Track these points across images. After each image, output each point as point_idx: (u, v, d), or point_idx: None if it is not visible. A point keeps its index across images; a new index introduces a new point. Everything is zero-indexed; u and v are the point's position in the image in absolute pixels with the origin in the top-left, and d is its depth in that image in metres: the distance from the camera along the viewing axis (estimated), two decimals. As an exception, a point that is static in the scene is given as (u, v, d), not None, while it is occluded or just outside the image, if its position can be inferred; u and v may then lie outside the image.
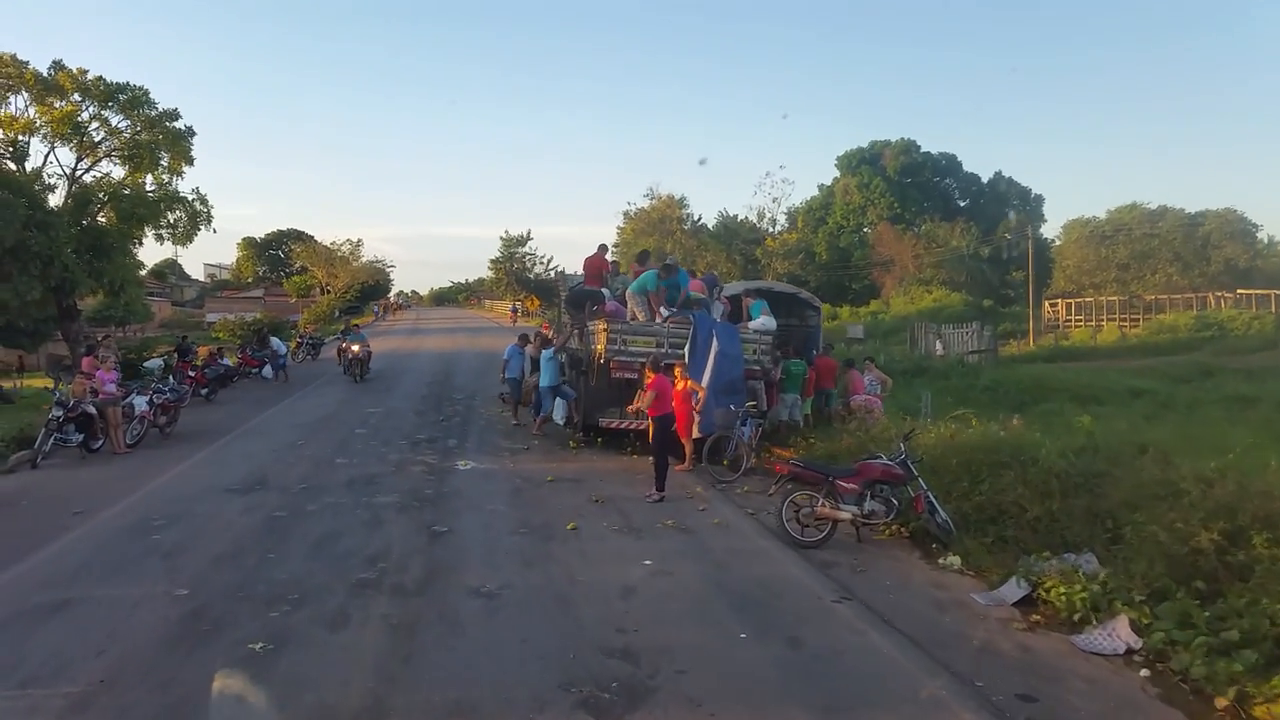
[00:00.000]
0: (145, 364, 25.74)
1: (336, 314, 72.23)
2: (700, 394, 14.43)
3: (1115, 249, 65.44)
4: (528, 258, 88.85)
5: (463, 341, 46.33)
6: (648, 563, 9.66)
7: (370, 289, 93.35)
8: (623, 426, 16.17)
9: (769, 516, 11.85)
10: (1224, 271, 59.87)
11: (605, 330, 15.38)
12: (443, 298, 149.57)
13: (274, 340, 31.25)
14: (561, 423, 19.11)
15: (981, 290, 69.53)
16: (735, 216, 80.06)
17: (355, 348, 28.49)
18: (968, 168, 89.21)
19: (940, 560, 10.17)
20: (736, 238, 73.22)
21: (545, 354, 19.03)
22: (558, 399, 19.24)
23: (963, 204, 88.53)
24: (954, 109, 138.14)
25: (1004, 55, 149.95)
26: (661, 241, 68.34)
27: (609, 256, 19.87)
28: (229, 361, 27.74)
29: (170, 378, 22.47)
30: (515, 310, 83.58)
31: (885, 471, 10.81)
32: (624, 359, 15.42)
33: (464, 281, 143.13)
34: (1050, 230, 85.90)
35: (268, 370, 28.87)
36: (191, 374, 23.87)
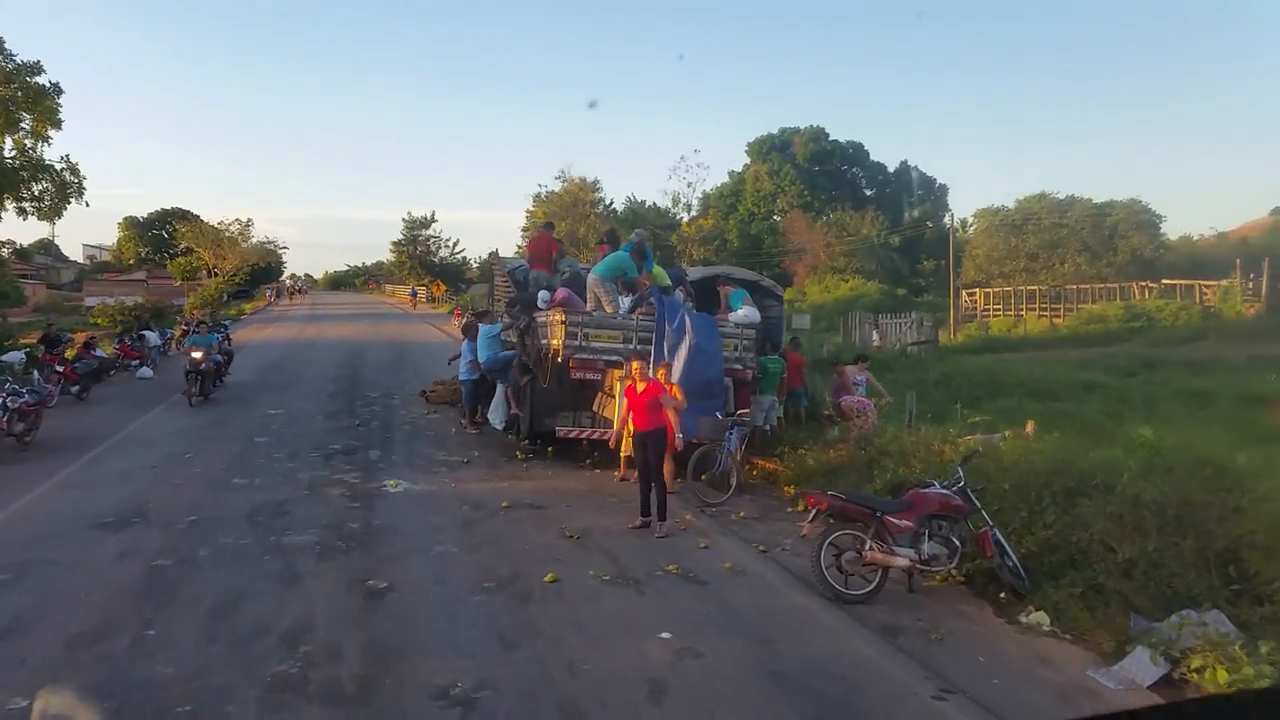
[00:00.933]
0: (2, 357, 22.00)
1: (225, 298, 67.48)
2: (674, 394, 12.10)
3: (1025, 238, 65.32)
4: (432, 240, 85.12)
5: (366, 330, 42.96)
6: (666, 636, 7.20)
7: (261, 271, 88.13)
8: (583, 435, 13.69)
9: (786, 555, 9.56)
10: (1130, 262, 60.16)
11: (563, 323, 12.85)
12: (339, 281, 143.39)
13: (148, 333, 27.59)
14: (500, 427, 16.53)
15: (893, 279, 68.80)
16: (643, 202, 77.88)
17: (196, 354, 19.93)
18: (874, 157, 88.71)
19: (1022, 618, 8.00)
20: (645, 223, 70.96)
21: (486, 329, 16.30)
22: (496, 397, 16.67)
23: (869, 193, 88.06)
24: (861, 97, 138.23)
25: (909, 41, 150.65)
26: (575, 226, 65.68)
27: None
28: (104, 353, 24.16)
29: (34, 373, 19.03)
30: (415, 295, 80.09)
31: (943, 503, 8.57)
32: (586, 356, 12.94)
33: (361, 265, 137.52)
34: (955, 220, 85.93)
35: (145, 370, 25.14)
36: (60, 369, 20.32)
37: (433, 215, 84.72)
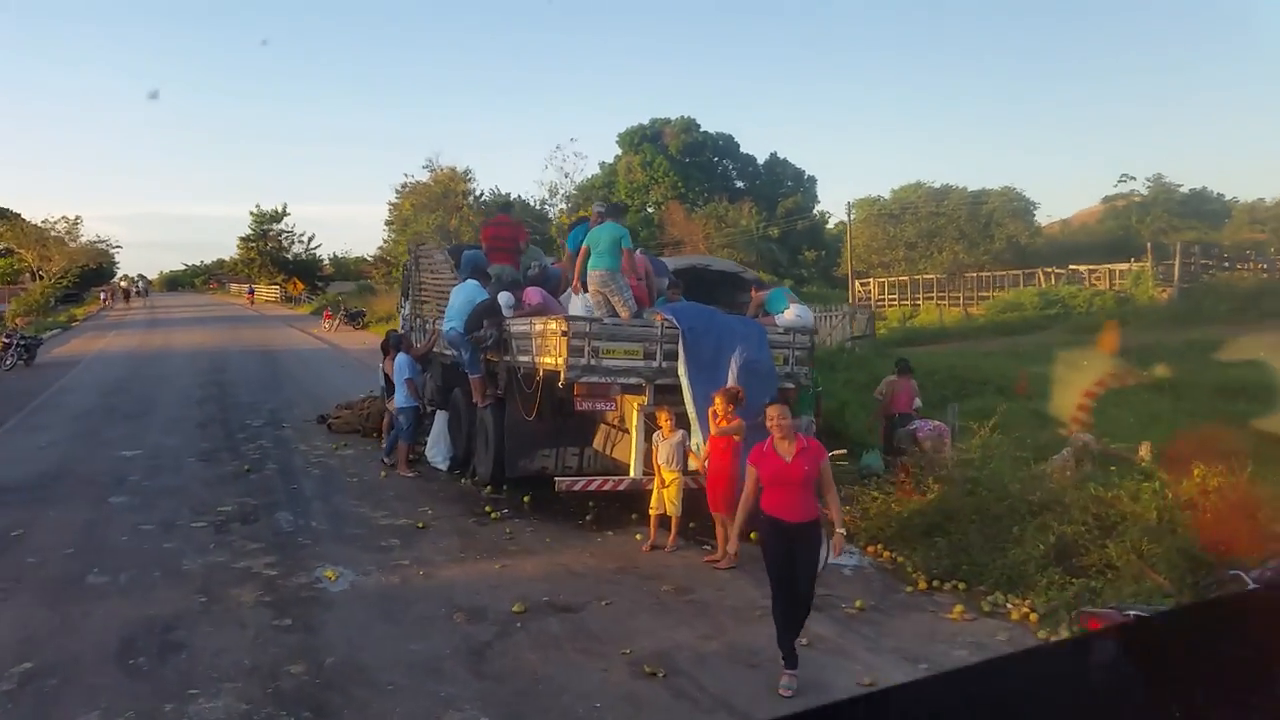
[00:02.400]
0: None
1: (53, 303, 59.75)
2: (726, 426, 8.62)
3: (903, 228, 64.49)
4: (284, 235, 78.38)
5: (222, 336, 37.48)
6: None
7: (92, 273, 79.39)
8: (597, 488, 9.96)
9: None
10: (1007, 249, 59.99)
11: (564, 334, 9.13)
12: (177, 282, 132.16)
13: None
14: (444, 466, 12.66)
15: (774, 271, 66.75)
16: (508, 194, 73.46)
17: None
18: (745, 149, 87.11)
19: None
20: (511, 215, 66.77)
21: (403, 360, 12.55)
22: (435, 428, 12.83)
23: (740, 185, 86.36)
24: (731, 88, 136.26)
25: (778, 31, 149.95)
26: (445, 218, 60.94)
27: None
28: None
29: None
30: (252, 292, 73.25)
31: None
32: (597, 380, 9.29)
33: (200, 264, 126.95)
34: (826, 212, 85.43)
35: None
36: None
37: (284, 208, 77.95)
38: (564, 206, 72.74)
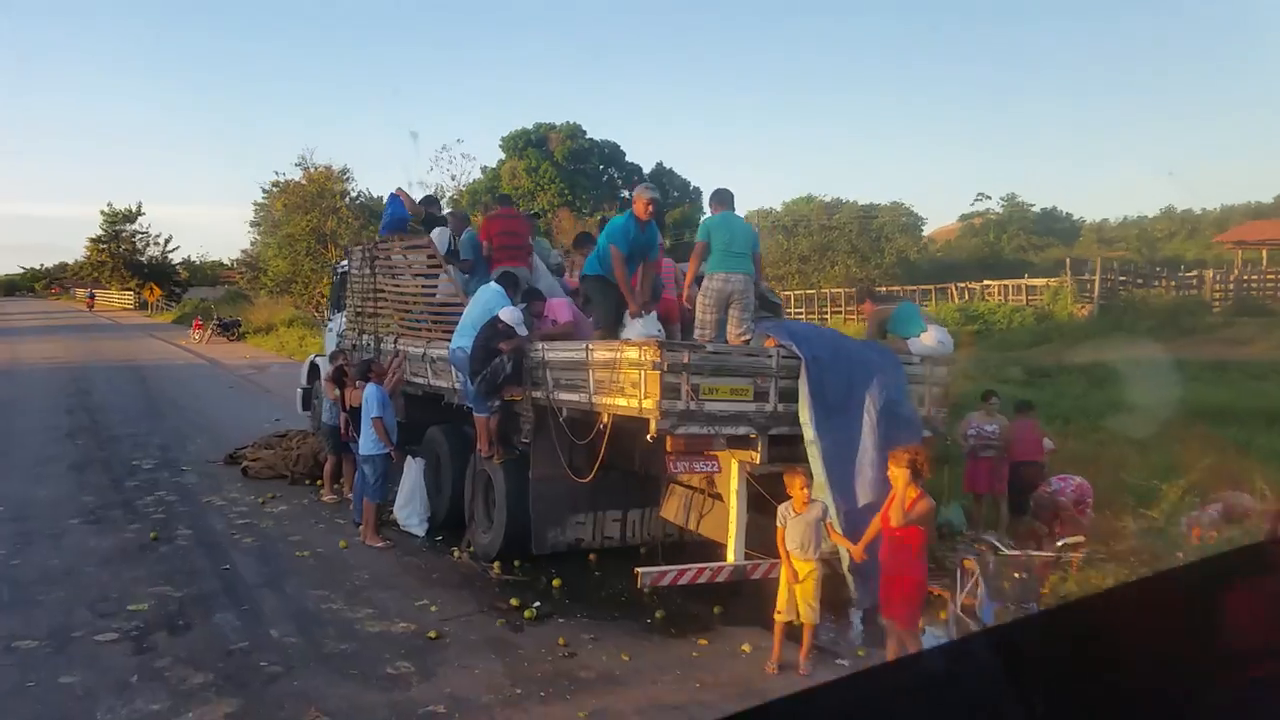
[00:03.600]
0: None
1: None
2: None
3: (797, 241, 63.62)
4: (138, 236, 71.90)
5: (78, 348, 32.71)
6: None
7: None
8: (679, 582, 7.09)
9: None
10: (896, 264, 59.85)
11: (659, 367, 6.47)
12: (12, 286, 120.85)
13: None
14: (420, 531, 9.81)
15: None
16: (380, 198, 69.31)
17: None
18: (631, 158, 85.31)
19: None
20: (379, 219, 62.74)
21: (373, 392, 9.60)
22: (408, 481, 9.92)
23: (626, 194, 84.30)
24: (617, 95, 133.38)
25: (666, 40, 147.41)
26: (321, 220, 56.53)
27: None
28: None
29: None
30: (93, 297, 68.25)
31: None
32: (698, 431, 6.67)
33: (40, 267, 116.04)
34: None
35: None
36: None
37: (139, 208, 71.46)
38: (446, 210, 69.00)
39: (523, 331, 8.23)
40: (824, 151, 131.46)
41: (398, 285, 11.26)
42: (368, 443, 9.43)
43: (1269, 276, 37.09)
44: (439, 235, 10.52)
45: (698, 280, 7.60)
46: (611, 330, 7.45)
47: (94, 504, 11.03)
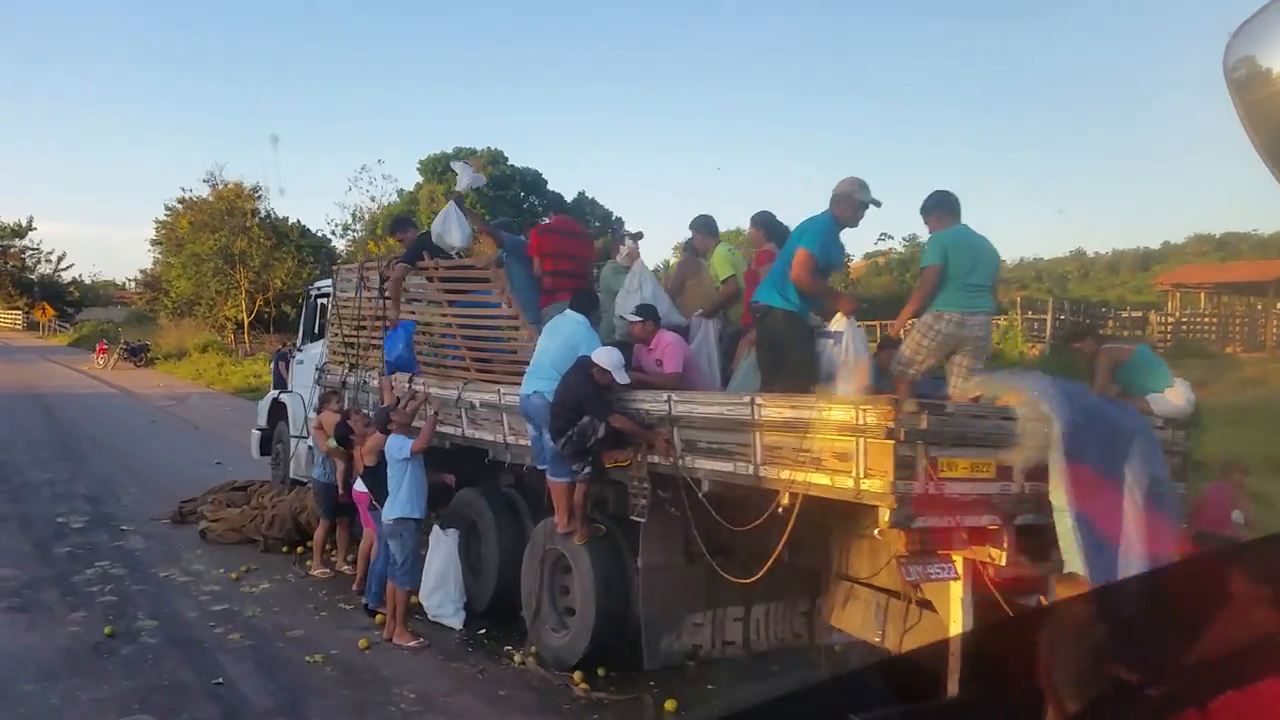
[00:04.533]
0: None
1: None
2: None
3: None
4: (28, 253, 66.90)
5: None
6: None
7: None
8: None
9: None
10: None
11: (893, 434, 4.64)
12: None
13: None
14: (456, 622, 7.78)
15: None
16: (286, 219, 65.66)
17: None
18: (552, 186, 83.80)
19: None
20: (288, 241, 59.19)
21: (396, 444, 7.49)
22: (438, 557, 7.85)
23: (547, 221, 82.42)
24: (538, 122, 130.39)
25: (589, 68, 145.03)
26: (229, 239, 53.12)
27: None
28: None
29: None
30: None
31: None
32: (938, 522, 4.89)
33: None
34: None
35: None
36: None
37: (30, 222, 66.45)
38: (357, 234, 66.08)
39: (622, 379, 6.36)
40: (742, 181, 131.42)
41: (415, 313, 9.22)
42: (402, 503, 7.35)
43: (1207, 320, 37.34)
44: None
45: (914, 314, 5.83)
46: (799, 384, 5.59)
47: (17, 581, 8.63)
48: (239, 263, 53.75)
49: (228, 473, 13.83)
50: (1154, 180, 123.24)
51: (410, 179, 77.53)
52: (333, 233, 66.87)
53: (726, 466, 5.60)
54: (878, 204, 5.88)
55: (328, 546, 9.38)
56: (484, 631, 7.65)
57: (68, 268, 67.98)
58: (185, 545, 10.08)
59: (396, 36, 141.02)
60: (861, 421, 4.77)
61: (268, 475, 12.60)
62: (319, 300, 11.81)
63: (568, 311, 7.04)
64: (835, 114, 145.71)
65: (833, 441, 4.94)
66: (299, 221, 62.58)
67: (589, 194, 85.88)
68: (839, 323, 5.53)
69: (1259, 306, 40.26)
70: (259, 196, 58.68)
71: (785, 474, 5.19)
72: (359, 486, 8.40)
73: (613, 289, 7.49)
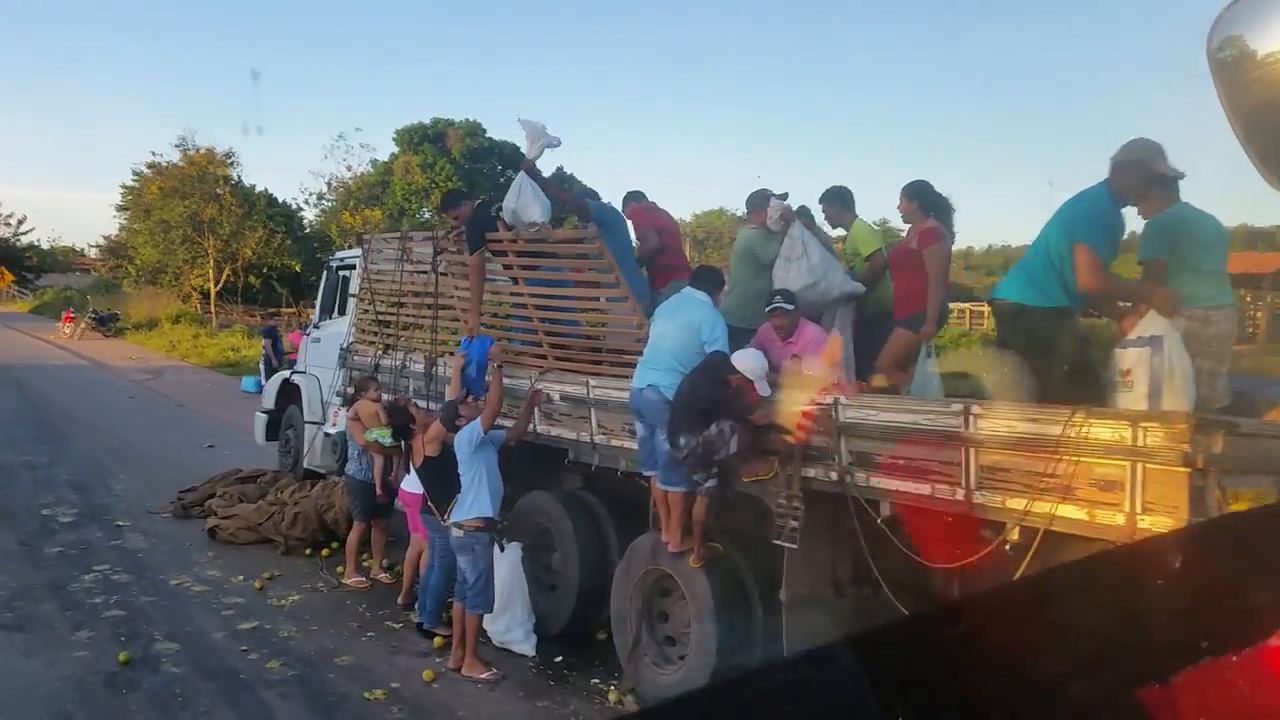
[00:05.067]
0: None
1: None
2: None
3: (708, 255, 61.71)
4: (-18, 215, 64.19)
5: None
6: None
7: None
8: None
9: None
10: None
11: (1194, 448, 3.56)
12: None
13: None
14: (529, 648, 6.69)
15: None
16: (254, 187, 63.47)
17: None
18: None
19: None
20: (257, 210, 57.15)
21: (471, 436, 6.33)
22: (502, 572, 6.68)
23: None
24: (517, 94, 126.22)
25: (570, 40, 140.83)
26: (200, 206, 51.20)
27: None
28: None
29: None
30: None
31: None
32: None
33: None
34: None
35: None
36: None
37: (-14, 183, 63.75)
38: (329, 204, 64.07)
39: (765, 391, 5.28)
40: (730, 163, 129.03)
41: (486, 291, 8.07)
42: (476, 505, 6.20)
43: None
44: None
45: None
46: (1052, 389, 4.55)
47: (6, 590, 7.42)
48: (208, 231, 51.92)
49: (222, 457, 12.65)
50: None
51: (386, 149, 75.41)
52: (305, 202, 64.97)
53: (921, 488, 4.56)
54: (1180, 175, 4.82)
55: (365, 556, 8.25)
56: (560, 660, 6.58)
57: (27, 232, 65.32)
58: (194, 545, 8.89)
59: (372, 4, 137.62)
60: (1141, 442, 3.75)
61: (271, 463, 11.45)
62: (341, 273, 10.58)
63: (687, 289, 5.95)
64: (831, 96, 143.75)
65: (1092, 466, 3.92)
66: (266, 190, 60.54)
67: (569, 169, 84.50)
68: (1153, 324, 4.45)
69: (1248, 299, 40.04)
70: (231, 163, 56.60)
71: (1015, 503, 4.16)
72: (409, 486, 7.30)
73: (761, 258, 6.38)
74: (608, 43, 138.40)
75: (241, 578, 7.96)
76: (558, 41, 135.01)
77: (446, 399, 6.98)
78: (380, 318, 9.43)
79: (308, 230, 64.32)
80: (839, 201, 6.67)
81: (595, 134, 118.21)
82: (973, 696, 0.86)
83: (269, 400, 11.61)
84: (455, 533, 6.30)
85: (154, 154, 53.20)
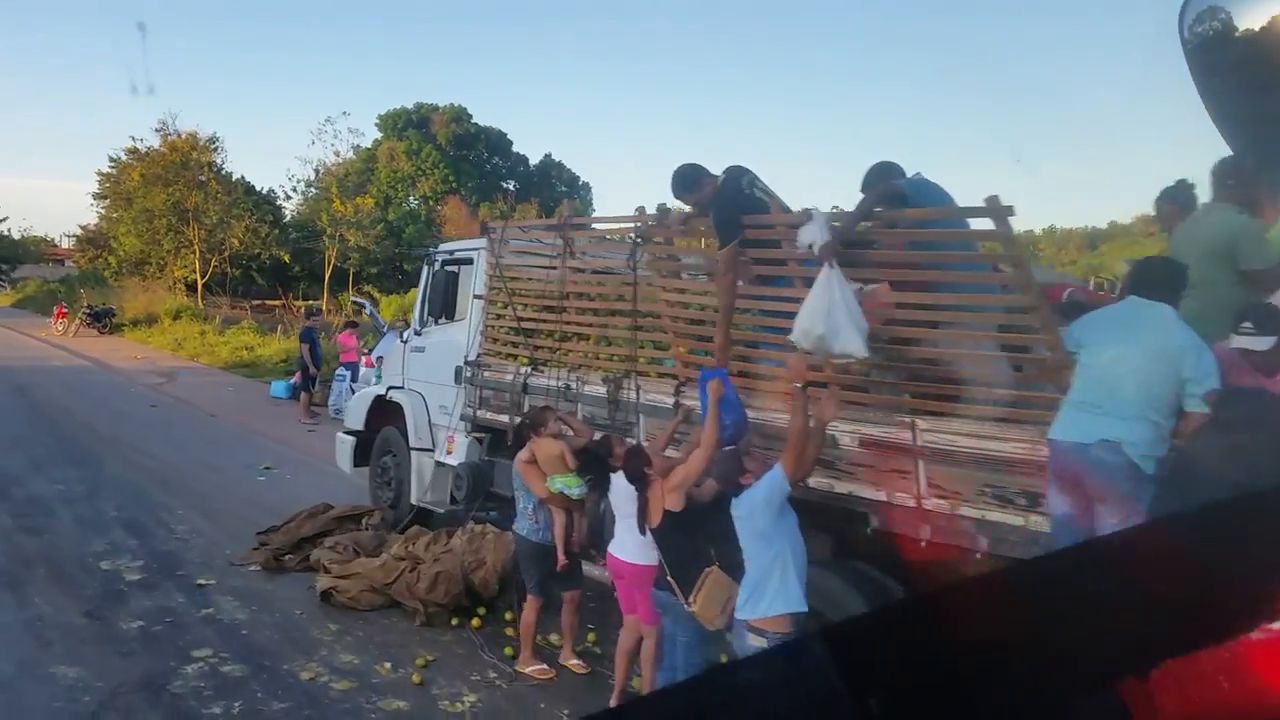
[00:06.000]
0: None
1: None
2: None
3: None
4: (-44, 205, 61.09)
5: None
6: None
7: None
8: None
9: None
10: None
11: None
12: None
13: None
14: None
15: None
16: (230, 174, 60.74)
17: None
18: (518, 148, 79.56)
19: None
20: (245, 198, 54.68)
21: (771, 495, 4.52)
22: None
23: (508, 185, 78.46)
24: (505, 80, 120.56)
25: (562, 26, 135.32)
26: (185, 195, 48.74)
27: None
28: None
29: None
30: None
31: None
32: None
33: None
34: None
35: None
36: None
37: (-43, 171, 60.58)
38: (314, 191, 61.73)
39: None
40: (724, 153, 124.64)
41: (682, 294, 6.27)
42: (780, 599, 4.41)
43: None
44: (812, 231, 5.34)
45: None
46: None
47: (91, 695, 5.53)
48: (193, 220, 49.60)
49: (283, 483, 10.83)
50: (1099, 160, 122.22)
51: (369, 135, 72.72)
52: (294, 189, 62.57)
53: None
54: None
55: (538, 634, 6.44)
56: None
57: (2, 220, 62.25)
58: (306, 614, 7.02)
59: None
60: None
61: (351, 492, 9.65)
62: (448, 269, 8.70)
63: (1133, 299, 4.15)
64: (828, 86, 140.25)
65: None
66: (243, 178, 58.05)
67: (556, 156, 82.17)
68: None
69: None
70: (215, 149, 54.09)
71: None
72: (623, 552, 5.51)
73: (1246, 258, 4.54)
74: (589, 28, 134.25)
75: (389, 665, 6.13)
76: (544, 27, 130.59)
77: (706, 442, 5.13)
78: (521, 324, 7.60)
79: (287, 219, 61.99)
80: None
81: (577, 118, 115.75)
82: (948, 689, 0.82)
83: (356, 419, 9.73)
84: (751, 639, 4.51)
85: (134, 139, 50.45)
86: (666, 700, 0.98)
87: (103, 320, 29.23)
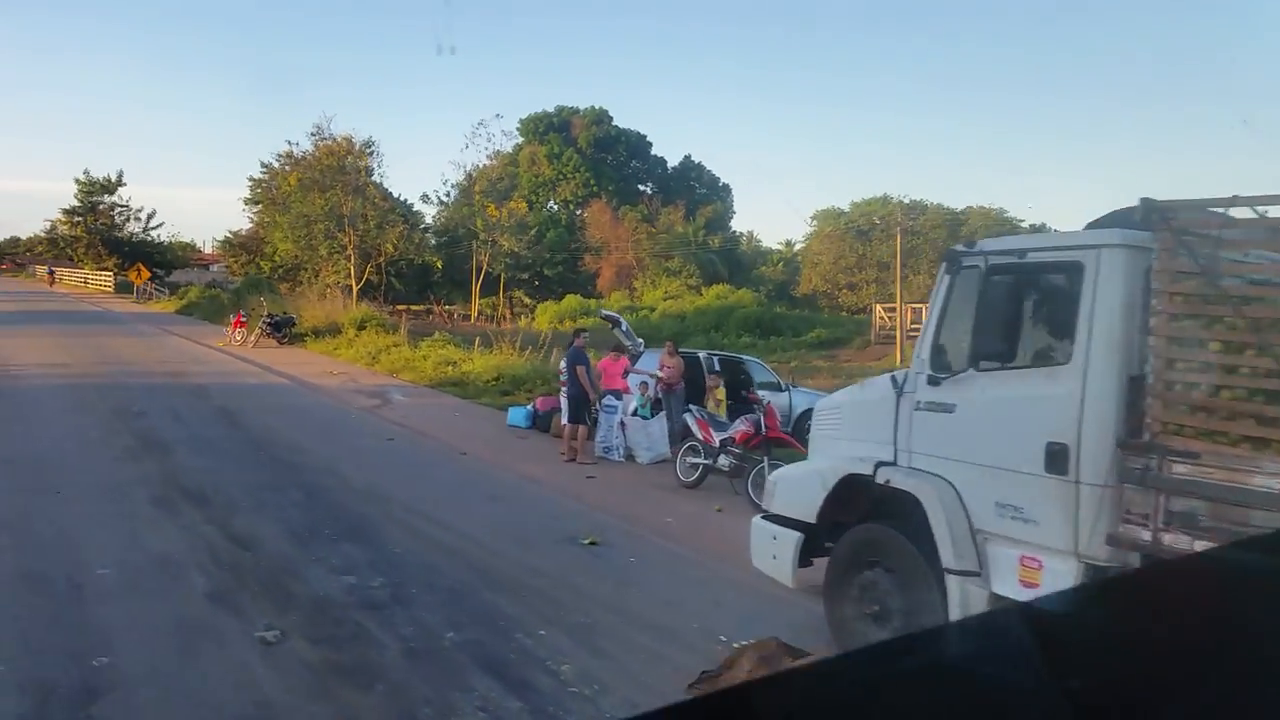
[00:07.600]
0: None
1: None
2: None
3: (874, 246, 55.89)
4: (118, 210, 61.52)
5: (84, 351, 23.22)
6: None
7: None
8: None
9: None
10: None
11: None
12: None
13: None
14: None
15: (712, 283, 56.60)
16: (382, 180, 59.26)
17: None
18: (656, 151, 76.75)
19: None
20: (399, 205, 53.15)
21: None
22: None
23: (645, 188, 75.68)
24: (646, 82, 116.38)
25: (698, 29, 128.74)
26: (341, 201, 46.97)
27: None
28: None
29: None
30: (53, 273, 59.95)
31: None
32: None
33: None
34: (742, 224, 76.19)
35: None
36: None
37: (119, 178, 60.93)
38: (451, 199, 60.12)
39: None
40: (865, 155, 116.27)
41: None
42: None
43: None
44: None
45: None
46: None
47: None
48: (349, 226, 48.02)
49: (634, 570, 7.69)
50: (1083, 154, 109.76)
51: (509, 139, 70.48)
52: (446, 194, 60.84)
53: None
54: None
55: None
56: None
57: (157, 226, 62.43)
58: None
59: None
60: None
61: (776, 603, 6.40)
62: (1020, 279, 5.33)
63: None
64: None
65: None
66: (380, 183, 56.61)
67: (695, 158, 78.90)
68: None
69: None
70: (371, 153, 52.44)
71: None
72: None
73: None
74: (733, 28, 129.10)
75: None
76: (690, 30, 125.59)
77: None
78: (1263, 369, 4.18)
79: (426, 225, 60.71)
80: None
81: (717, 118, 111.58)
82: (1155, 682, 0.77)
83: (806, 508, 6.43)
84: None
85: (290, 143, 49.11)
86: (856, 669, 0.85)
87: (282, 330, 27.09)
